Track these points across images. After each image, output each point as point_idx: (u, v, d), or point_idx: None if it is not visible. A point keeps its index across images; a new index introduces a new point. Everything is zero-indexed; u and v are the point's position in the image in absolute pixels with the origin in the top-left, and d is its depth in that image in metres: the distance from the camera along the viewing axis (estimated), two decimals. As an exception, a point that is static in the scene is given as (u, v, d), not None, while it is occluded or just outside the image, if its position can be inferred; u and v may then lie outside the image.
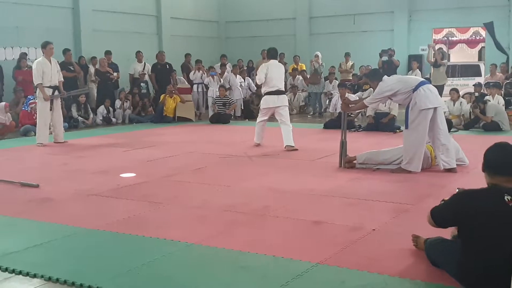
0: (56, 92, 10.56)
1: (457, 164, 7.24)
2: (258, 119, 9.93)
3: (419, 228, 4.32)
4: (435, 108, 7.06)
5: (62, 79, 10.92)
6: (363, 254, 4.17)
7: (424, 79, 7.83)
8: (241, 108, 15.73)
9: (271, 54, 9.90)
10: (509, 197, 3.25)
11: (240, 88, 15.76)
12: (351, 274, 3.79)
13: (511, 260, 3.18)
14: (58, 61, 11.13)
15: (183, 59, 17.43)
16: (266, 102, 9.65)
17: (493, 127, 11.49)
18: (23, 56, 13.99)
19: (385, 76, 7.47)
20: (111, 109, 14.52)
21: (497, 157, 3.40)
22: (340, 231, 4.75)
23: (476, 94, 13.74)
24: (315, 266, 3.93)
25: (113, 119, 14.41)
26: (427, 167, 7.37)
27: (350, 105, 8.20)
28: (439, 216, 3.59)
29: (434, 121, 7.07)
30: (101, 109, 14.34)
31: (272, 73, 9.53)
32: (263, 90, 9.70)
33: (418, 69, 15.76)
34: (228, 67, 16.55)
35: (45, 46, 10.47)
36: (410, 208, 5.51)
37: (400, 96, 7.24)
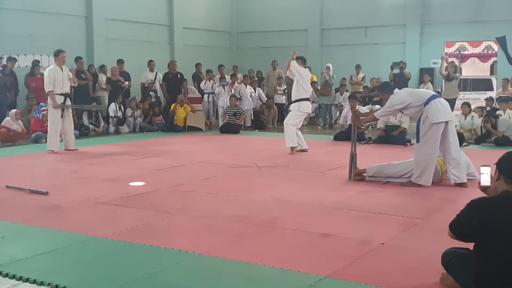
0: (68, 101, 10.62)
1: (468, 179, 7.18)
2: (296, 124, 10.26)
3: (429, 243, 4.30)
4: (446, 122, 7.03)
5: (76, 83, 11.03)
6: (372, 268, 4.13)
7: (435, 93, 7.79)
8: (251, 118, 15.74)
9: (303, 60, 10.35)
10: None
11: (250, 99, 15.78)
12: (359, 288, 3.76)
13: None
14: (70, 69, 11.19)
15: (195, 69, 17.49)
16: (307, 107, 10.32)
17: (505, 141, 11.41)
18: (36, 63, 14.08)
19: (396, 89, 7.45)
20: (123, 108, 14.56)
21: None
22: (349, 244, 4.72)
23: (488, 108, 13.66)
24: (323, 279, 3.90)
25: (125, 121, 14.49)
26: (437, 181, 7.32)
27: (360, 118, 8.19)
28: (457, 228, 3.52)
29: (445, 135, 7.04)
30: (113, 106, 14.39)
31: (307, 79, 10.19)
32: (301, 94, 10.09)
33: (430, 83, 15.70)
34: (239, 77, 16.59)
35: (58, 54, 10.55)
36: (419, 222, 5.46)
37: (411, 109, 7.23)
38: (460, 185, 7.11)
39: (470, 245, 3.54)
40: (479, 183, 3.62)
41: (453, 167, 7.12)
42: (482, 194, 3.57)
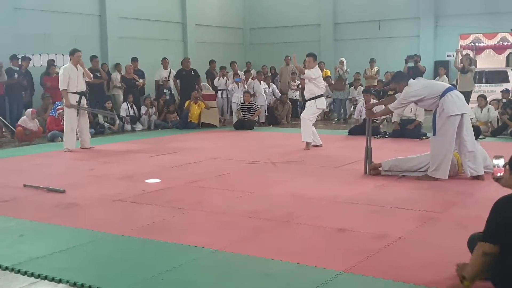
0: (83, 99, 10.68)
1: (485, 172, 7.12)
2: (312, 119, 10.41)
3: (446, 237, 4.27)
4: (462, 115, 6.98)
5: (91, 78, 11.13)
6: (389, 262, 4.11)
7: (450, 85, 7.72)
8: (265, 114, 15.73)
9: (315, 57, 10.49)
10: None
11: (264, 95, 15.77)
12: (376, 282, 3.75)
13: None
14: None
15: (208, 66, 17.53)
16: (322, 103, 10.50)
17: (522, 134, 11.31)
18: (51, 62, 14.19)
19: (411, 80, 7.39)
20: (135, 107, 14.62)
21: None
22: (365, 239, 4.70)
23: (504, 100, 13.53)
24: (340, 274, 3.89)
25: (138, 119, 14.53)
26: (454, 174, 7.27)
27: (375, 111, 8.14)
28: (492, 236, 3.37)
29: (461, 127, 6.99)
30: (124, 105, 14.45)
31: (320, 78, 10.43)
32: (316, 92, 10.25)
33: (445, 75, 15.57)
34: (252, 73, 16.58)
35: (73, 53, 10.61)
36: (436, 216, 5.43)
37: (426, 101, 7.17)
38: (477, 177, 7.06)
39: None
40: (492, 174, 3.61)
41: (469, 160, 7.07)
42: (499, 187, 3.55)
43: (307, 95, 10.53)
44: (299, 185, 7.06)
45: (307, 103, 10.49)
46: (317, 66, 10.51)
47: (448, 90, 7.07)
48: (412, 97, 7.19)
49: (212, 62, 17.46)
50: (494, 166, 3.59)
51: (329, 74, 17.83)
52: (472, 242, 3.67)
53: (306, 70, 10.24)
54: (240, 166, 8.55)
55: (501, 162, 3.54)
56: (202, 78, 16.98)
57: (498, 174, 3.55)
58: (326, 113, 16.90)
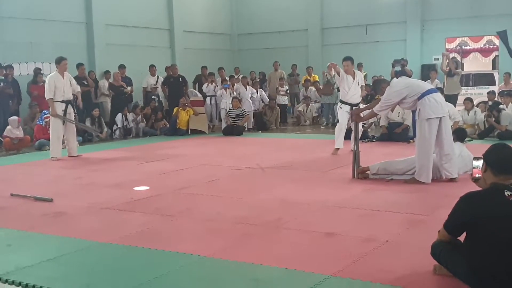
0: (70, 108, 10.62)
1: (470, 174, 7.15)
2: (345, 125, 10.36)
3: (433, 239, 4.26)
4: (440, 118, 7.02)
5: (79, 90, 10.98)
6: (376, 266, 4.13)
7: (433, 88, 7.67)
8: (252, 119, 15.72)
9: (352, 61, 10.44)
10: (509, 193, 3.37)
11: (250, 100, 15.78)
12: (363, 286, 3.76)
13: None
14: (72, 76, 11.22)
15: (197, 72, 17.51)
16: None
17: (508, 135, 11.37)
18: (38, 71, 14.12)
19: (394, 80, 7.41)
20: (129, 118, 14.59)
21: (502, 157, 3.49)
22: (353, 242, 4.72)
23: (490, 102, 13.63)
24: (328, 278, 3.90)
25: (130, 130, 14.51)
26: (439, 177, 7.29)
27: (361, 115, 8.16)
28: (453, 228, 3.63)
29: (439, 131, 7.04)
30: (120, 117, 14.39)
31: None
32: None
33: (437, 79, 15.56)
34: (239, 79, 16.60)
35: (60, 61, 10.56)
36: (424, 219, 5.46)
37: (407, 100, 7.16)
38: (452, 180, 7.13)
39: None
40: (471, 175, 3.68)
41: (445, 162, 7.14)
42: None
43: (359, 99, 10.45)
44: (287, 190, 7.07)
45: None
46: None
47: (427, 92, 7.07)
48: (395, 97, 7.19)
49: (204, 68, 17.41)
50: (474, 168, 3.65)
51: (317, 79, 17.90)
52: (435, 249, 3.80)
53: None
54: (229, 172, 8.55)
55: (481, 163, 3.61)
56: (190, 85, 16.98)
57: (477, 175, 3.63)
58: (314, 118, 16.96)
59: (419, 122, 7.05)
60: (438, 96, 7.24)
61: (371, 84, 16.63)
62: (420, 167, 7.06)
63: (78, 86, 11.00)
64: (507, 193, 3.37)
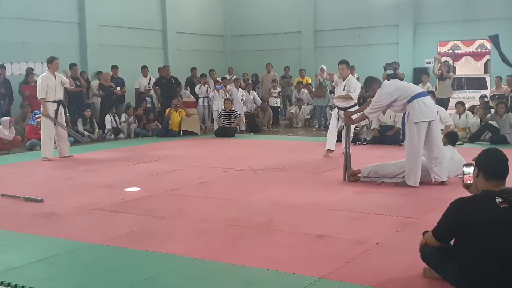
0: (61, 108, 10.59)
1: (460, 177, 7.17)
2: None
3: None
4: (429, 122, 7.04)
5: (68, 82, 10.86)
6: (367, 268, 4.15)
7: (423, 91, 7.68)
8: (244, 121, 15.72)
9: (348, 65, 10.55)
10: (500, 200, 3.37)
11: (241, 102, 15.78)
12: (354, 288, 3.77)
13: (509, 259, 3.29)
14: (64, 72, 11.17)
15: (189, 73, 17.50)
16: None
17: (500, 140, 11.41)
18: (30, 71, 14.07)
19: (385, 82, 7.44)
20: (117, 118, 14.55)
21: (494, 162, 3.51)
22: (344, 245, 4.73)
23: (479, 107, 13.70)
24: (318, 280, 3.91)
25: (121, 129, 14.45)
26: (428, 180, 7.32)
27: (352, 117, 8.18)
28: (442, 235, 3.64)
29: (429, 134, 7.06)
30: (108, 118, 14.36)
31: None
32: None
33: (429, 83, 15.61)
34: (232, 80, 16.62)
35: (51, 61, 10.53)
36: (414, 221, 5.49)
37: (397, 103, 7.19)
38: (442, 183, 7.16)
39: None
40: (463, 181, 3.69)
41: (435, 166, 7.17)
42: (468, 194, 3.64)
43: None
44: (279, 192, 7.08)
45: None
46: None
47: (417, 96, 7.09)
48: (385, 99, 7.21)
49: (193, 69, 17.45)
50: (464, 174, 3.66)
51: (309, 81, 17.93)
52: (425, 252, 3.82)
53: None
54: (220, 173, 8.55)
55: (471, 170, 3.61)
56: (183, 86, 16.96)
57: (468, 182, 3.63)
58: (307, 120, 16.98)
59: (408, 125, 7.08)
60: (428, 99, 7.26)
61: (363, 87, 16.72)
62: (409, 170, 7.09)
63: (68, 80, 10.87)
64: (498, 200, 3.38)
